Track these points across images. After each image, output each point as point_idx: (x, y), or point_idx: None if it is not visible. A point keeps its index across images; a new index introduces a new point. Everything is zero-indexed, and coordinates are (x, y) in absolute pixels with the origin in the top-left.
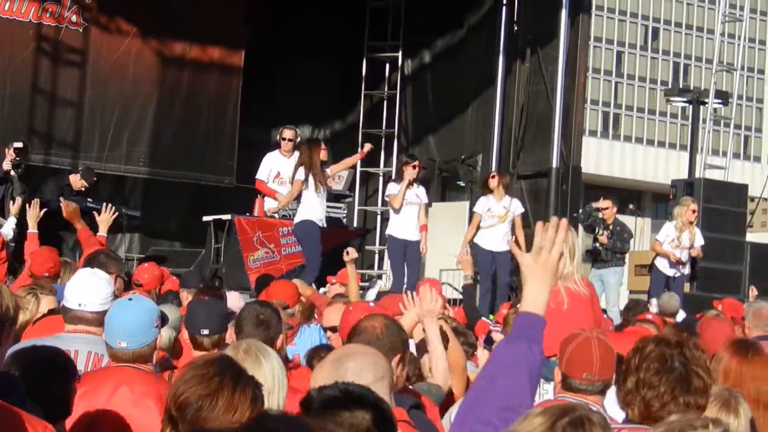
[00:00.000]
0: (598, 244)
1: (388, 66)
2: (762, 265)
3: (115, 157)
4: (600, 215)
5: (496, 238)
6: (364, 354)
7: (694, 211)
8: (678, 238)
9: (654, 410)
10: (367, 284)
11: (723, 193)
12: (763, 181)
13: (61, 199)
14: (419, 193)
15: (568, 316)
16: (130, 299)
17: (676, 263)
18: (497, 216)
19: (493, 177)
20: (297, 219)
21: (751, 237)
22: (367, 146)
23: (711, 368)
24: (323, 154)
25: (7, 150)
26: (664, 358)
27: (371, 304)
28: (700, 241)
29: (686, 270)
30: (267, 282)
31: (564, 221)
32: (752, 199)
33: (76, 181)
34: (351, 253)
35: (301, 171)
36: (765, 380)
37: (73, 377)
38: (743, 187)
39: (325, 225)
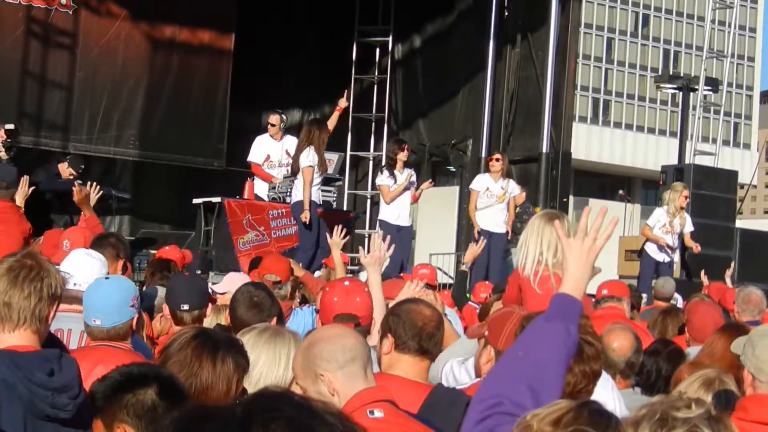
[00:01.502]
0: None
1: (378, 50)
2: (751, 251)
3: (105, 140)
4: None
5: (493, 219)
6: (331, 338)
7: (686, 197)
8: (670, 223)
9: None
10: (357, 268)
11: (713, 179)
12: (753, 168)
13: (76, 183)
14: (410, 177)
15: None
16: (107, 278)
17: (666, 248)
18: (496, 196)
19: (498, 159)
20: (295, 199)
21: (740, 224)
22: (342, 101)
23: (704, 349)
24: (327, 136)
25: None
26: None
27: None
28: (689, 227)
29: (676, 256)
30: (258, 264)
31: (615, 218)
32: (741, 186)
33: (65, 169)
34: (334, 237)
35: (310, 154)
36: None
37: None
38: (733, 174)
39: (321, 206)
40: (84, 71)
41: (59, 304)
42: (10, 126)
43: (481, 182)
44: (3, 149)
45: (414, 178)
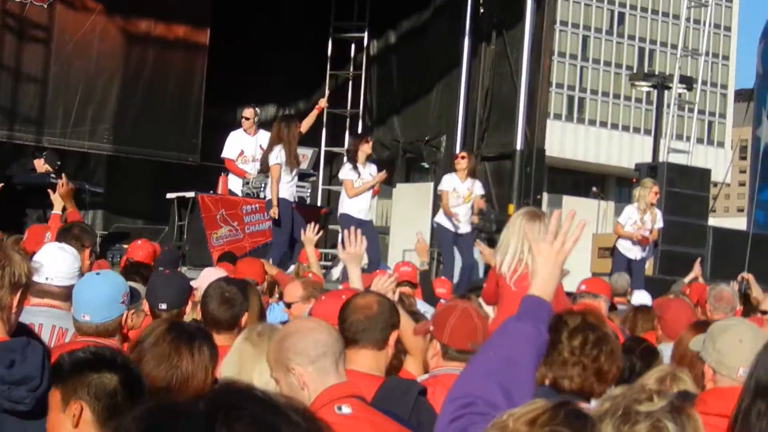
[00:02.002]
0: None
1: (353, 46)
2: (723, 249)
3: (79, 134)
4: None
5: (459, 219)
6: (304, 331)
7: (656, 193)
8: (640, 220)
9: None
10: (330, 264)
11: (686, 177)
12: (726, 166)
13: (63, 175)
14: (372, 171)
15: None
16: (98, 273)
17: (640, 243)
18: (462, 196)
19: (464, 157)
20: (267, 196)
21: (713, 222)
22: (322, 101)
23: (675, 348)
24: (298, 132)
25: None
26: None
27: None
28: (660, 223)
29: (648, 252)
30: (228, 259)
31: (582, 222)
32: (715, 185)
33: (41, 165)
34: (308, 234)
35: (279, 152)
36: None
37: None
38: (706, 172)
39: (296, 202)
40: (59, 65)
41: (25, 293)
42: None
43: (449, 182)
44: None
45: (375, 171)
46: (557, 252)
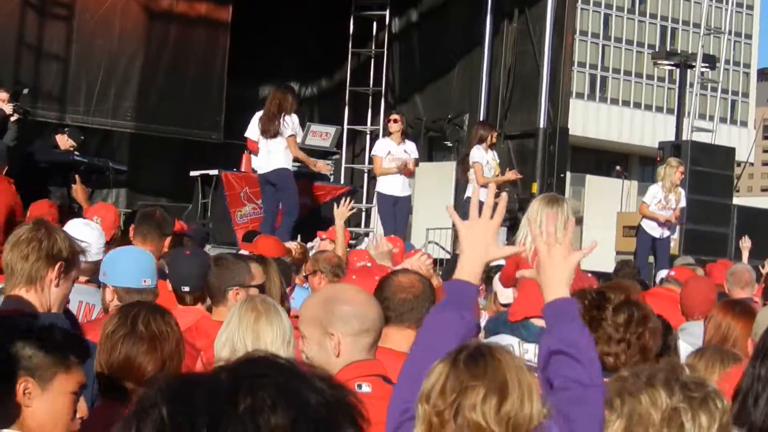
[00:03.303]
0: None
1: (375, 24)
2: (748, 228)
3: (102, 112)
4: None
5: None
6: (356, 303)
7: (682, 173)
8: (665, 199)
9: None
10: (354, 242)
11: (710, 155)
12: (749, 145)
13: (77, 177)
14: (408, 149)
15: None
16: (127, 248)
17: (664, 224)
18: (493, 168)
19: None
20: (274, 166)
21: (737, 201)
22: (324, 167)
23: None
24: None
25: (4, 92)
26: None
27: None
28: (683, 203)
29: (675, 232)
30: (253, 237)
31: (504, 195)
32: (738, 164)
33: (64, 141)
34: (341, 208)
35: (292, 121)
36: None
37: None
38: (731, 150)
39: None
40: (81, 43)
41: (67, 269)
42: (24, 90)
43: (482, 155)
44: (13, 111)
45: (413, 149)
46: (485, 230)
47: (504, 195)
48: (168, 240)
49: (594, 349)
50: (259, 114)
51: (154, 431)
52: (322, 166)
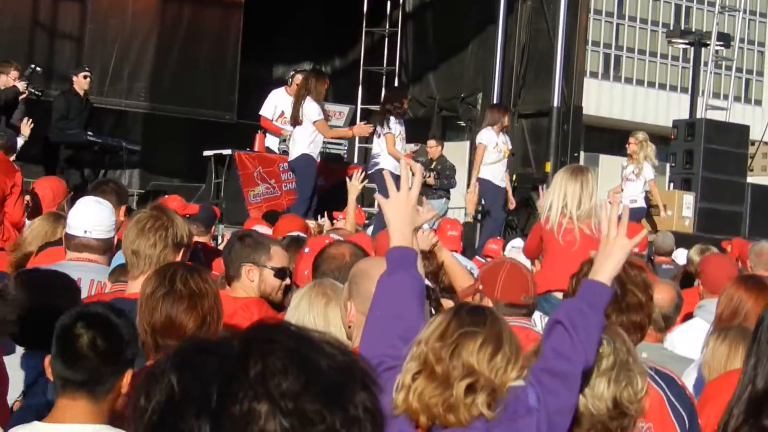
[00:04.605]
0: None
1: (389, 3)
2: (762, 206)
3: (116, 92)
4: (428, 157)
5: (498, 174)
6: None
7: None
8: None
9: None
10: (368, 222)
11: (724, 134)
12: (764, 125)
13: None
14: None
15: (576, 256)
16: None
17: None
18: (503, 151)
19: (508, 113)
20: (296, 153)
21: (751, 180)
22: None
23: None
24: (325, 90)
25: (13, 70)
26: None
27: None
28: (650, 174)
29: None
30: (273, 217)
31: (419, 167)
32: (752, 143)
33: (81, 81)
34: (353, 182)
35: (317, 105)
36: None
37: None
38: (745, 129)
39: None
40: (94, 23)
41: (186, 254)
42: (39, 68)
43: (490, 137)
44: (31, 89)
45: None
46: (405, 200)
47: (419, 167)
48: (123, 209)
49: (594, 339)
50: (275, 92)
51: (164, 398)
52: (362, 128)
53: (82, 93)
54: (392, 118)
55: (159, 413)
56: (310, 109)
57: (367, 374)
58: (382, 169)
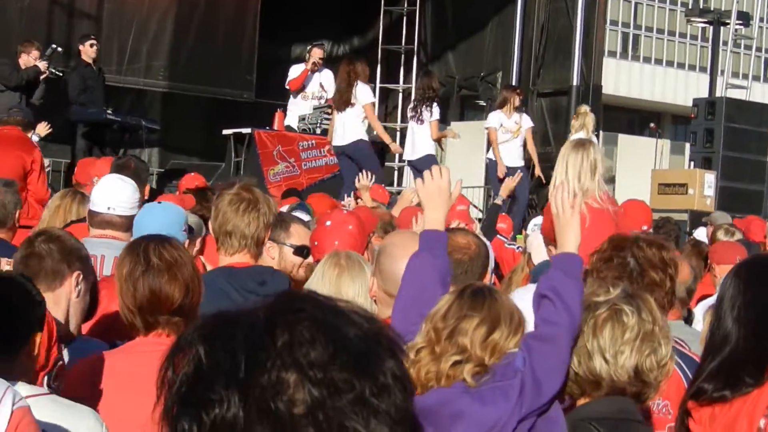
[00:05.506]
0: None
1: None
2: None
3: (135, 71)
4: None
5: (511, 154)
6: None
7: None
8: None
9: None
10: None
11: (745, 112)
12: None
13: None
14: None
15: (590, 234)
16: (159, 203)
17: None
18: (510, 131)
19: (519, 93)
20: (352, 137)
21: None
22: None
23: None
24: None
25: (35, 50)
26: (618, 257)
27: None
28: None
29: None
30: (292, 195)
31: (447, 168)
32: None
33: (88, 49)
34: (362, 181)
35: (366, 88)
36: None
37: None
38: (765, 107)
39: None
40: (112, 2)
41: (271, 229)
42: (59, 48)
43: (496, 119)
44: (51, 69)
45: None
46: (437, 186)
47: (447, 168)
48: (147, 188)
49: (576, 303)
50: (297, 67)
51: (192, 370)
52: (396, 149)
53: (91, 62)
54: (434, 105)
55: (187, 384)
56: (365, 91)
57: (394, 342)
58: (430, 155)
